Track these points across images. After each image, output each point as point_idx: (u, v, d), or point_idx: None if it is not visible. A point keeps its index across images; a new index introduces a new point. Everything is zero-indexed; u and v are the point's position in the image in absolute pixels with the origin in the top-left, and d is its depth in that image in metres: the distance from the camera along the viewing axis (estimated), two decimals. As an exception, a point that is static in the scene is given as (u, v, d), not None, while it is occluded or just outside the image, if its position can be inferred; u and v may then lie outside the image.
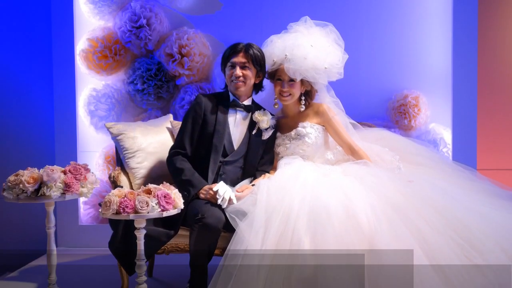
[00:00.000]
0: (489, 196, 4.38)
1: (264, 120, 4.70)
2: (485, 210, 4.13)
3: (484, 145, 5.81)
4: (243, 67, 4.62)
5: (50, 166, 4.00)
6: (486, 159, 5.84)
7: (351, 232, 3.78)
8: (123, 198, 3.68)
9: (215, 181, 4.50)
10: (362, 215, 3.85)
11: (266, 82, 4.79)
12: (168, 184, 3.90)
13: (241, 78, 4.63)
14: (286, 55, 4.70)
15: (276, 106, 4.93)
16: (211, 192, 4.19)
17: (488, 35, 5.94)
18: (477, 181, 4.59)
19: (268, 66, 4.80)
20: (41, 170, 3.97)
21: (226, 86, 4.79)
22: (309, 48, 4.75)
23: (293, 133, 4.81)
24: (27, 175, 3.89)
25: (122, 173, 4.66)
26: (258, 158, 4.72)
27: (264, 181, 4.23)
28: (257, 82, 4.75)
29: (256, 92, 4.85)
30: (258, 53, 4.69)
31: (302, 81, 4.77)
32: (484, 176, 4.69)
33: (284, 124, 4.91)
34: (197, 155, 4.60)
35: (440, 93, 5.71)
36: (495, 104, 5.98)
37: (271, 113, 4.83)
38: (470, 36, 5.62)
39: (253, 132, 4.70)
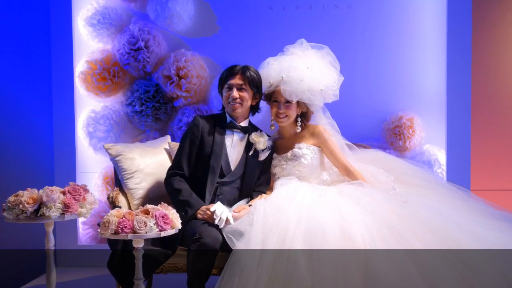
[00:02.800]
0: (483, 216, 4.38)
1: (261, 142, 4.70)
2: (479, 230, 4.12)
3: (478, 166, 5.84)
4: (240, 89, 4.64)
5: (49, 187, 4.03)
6: (480, 180, 5.87)
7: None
8: (122, 218, 3.71)
9: (212, 201, 4.51)
10: (357, 235, 3.86)
11: (263, 104, 4.83)
12: (166, 204, 3.93)
13: (238, 100, 4.65)
14: (282, 77, 4.71)
15: (272, 128, 4.90)
16: (208, 212, 4.23)
17: (482, 57, 5.99)
18: (471, 201, 4.59)
19: (265, 88, 4.83)
20: (41, 191, 4.00)
21: (223, 107, 4.81)
22: (305, 70, 4.74)
23: (289, 154, 4.80)
24: (27, 196, 3.92)
25: (120, 194, 4.69)
26: (255, 179, 4.72)
27: (261, 202, 4.25)
28: (253, 103, 4.77)
29: (253, 114, 4.87)
30: (255, 75, 4.71)
31: (298, 102, 4.77)
32: (478, 196, 4.71)
33: (281, 145, 4.88)
34: (194, 176, 4.61)
35: (435, 114, 5.74)
36: (489, 126, 6.01)
37: (267, 135, 4.82)
38: (464, 58, 5.64)
39: (250, 153, 4.71)
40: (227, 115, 4.74)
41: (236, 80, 4.65)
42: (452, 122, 5.74)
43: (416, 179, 4.80)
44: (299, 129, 4.86)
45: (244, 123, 4.75)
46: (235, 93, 4.63)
